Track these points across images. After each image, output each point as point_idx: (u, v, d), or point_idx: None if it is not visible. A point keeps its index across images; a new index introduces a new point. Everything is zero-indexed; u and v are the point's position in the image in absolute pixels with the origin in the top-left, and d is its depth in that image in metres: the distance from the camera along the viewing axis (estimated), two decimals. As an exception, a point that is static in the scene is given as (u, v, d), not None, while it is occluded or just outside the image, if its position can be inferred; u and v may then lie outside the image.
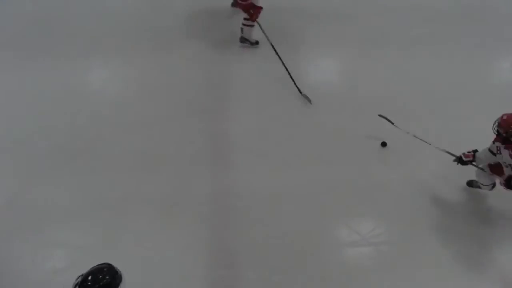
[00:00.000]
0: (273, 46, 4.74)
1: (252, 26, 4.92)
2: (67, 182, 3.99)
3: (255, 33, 4.96)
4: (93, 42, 5.02)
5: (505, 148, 3.50)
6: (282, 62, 4.70)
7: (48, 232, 3.72)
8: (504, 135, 3.48)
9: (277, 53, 4.72)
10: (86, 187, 3.96)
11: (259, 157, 4.20)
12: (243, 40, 5.09)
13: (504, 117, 3.46)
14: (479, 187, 3.98)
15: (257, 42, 5.09)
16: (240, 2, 4.74)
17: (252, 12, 4.75)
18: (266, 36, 4.77)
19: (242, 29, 5.03)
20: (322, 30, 5.20)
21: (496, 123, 3.48)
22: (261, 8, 4.79)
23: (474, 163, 3.80)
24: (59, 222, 3.78)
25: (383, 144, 4.36)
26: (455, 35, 5.21)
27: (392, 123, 4.26)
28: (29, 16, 5.25)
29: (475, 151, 3.79)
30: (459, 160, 3.83)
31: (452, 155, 3.87)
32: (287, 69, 4.68)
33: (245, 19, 4.92)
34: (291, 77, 4.67)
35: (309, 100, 4.61)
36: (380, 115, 4.33)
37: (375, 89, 4.69)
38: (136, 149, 4.23)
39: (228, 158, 4.23)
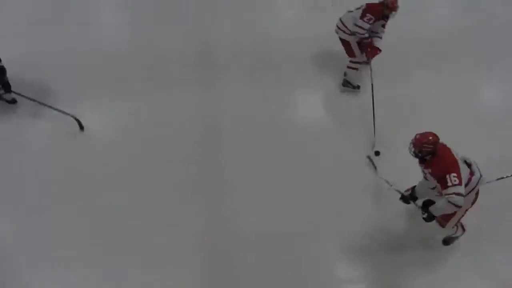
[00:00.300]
0: (372, 92, 4.57)
1: (357, 69, 4.84)
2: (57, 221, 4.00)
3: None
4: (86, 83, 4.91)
5: (425, 167, 3.47)
6: (373, 111, 4.55)
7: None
8: (419, 155, 3.42)
9: (373, 101, 4.56)
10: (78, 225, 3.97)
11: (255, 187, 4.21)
12: (346, 83, 4.95)
13: (417, 137, 3.41)
14: (452, 238, 3.91)
15: (358, 87, 4.94)
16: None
17: (369, 50, 4.64)
18: (372, 80, 4.59)
19: (345, 72, 4.90)
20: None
21: (411, 145, 3.43)
22: (378, 49, 4.68)
23: (414, 202, 3.78)
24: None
25: (377, 153, 4.45)
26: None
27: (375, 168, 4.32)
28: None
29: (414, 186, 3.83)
30: (402, 198, 3.83)
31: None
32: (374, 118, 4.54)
33: (351, 61, 4.81)
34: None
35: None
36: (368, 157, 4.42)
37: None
38: (130, 186, 4.22)
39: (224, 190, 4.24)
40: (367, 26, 4.50)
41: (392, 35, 4.70)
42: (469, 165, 3.47)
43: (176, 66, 5.04)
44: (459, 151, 3.45)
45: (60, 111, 4.47)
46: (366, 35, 4.56)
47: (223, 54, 5.18)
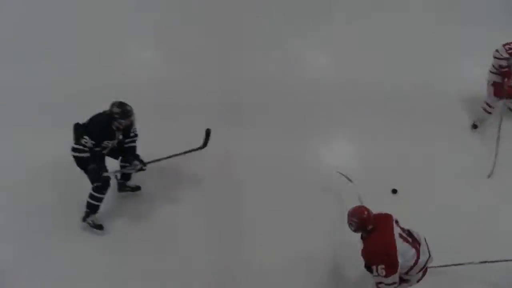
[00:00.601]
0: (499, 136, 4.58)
1: (490, 113, 4.80)
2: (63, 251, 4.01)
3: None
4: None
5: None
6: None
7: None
8: (351, 229, 3.29)
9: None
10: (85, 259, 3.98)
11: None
12: (475, 126, 4.93)
13: (349, 209, 3.31)
14: None
15: (475, 126, 4.95)
16: None
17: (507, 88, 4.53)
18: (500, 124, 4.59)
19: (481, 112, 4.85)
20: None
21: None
22: None
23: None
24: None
25: (394, 191, 4.42)
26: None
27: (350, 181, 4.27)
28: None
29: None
30: None
31: None
32: None
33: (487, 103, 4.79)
34: None
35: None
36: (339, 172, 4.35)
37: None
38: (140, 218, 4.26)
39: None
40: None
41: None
42: (416, 245, 3.27)
43: (197, 104, 5.10)
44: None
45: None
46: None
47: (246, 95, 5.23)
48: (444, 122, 5.04)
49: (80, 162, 3.84)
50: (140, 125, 4.07)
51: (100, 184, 3.95)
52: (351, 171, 4.40)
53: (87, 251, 4.02)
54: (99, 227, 4.15)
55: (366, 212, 3.24)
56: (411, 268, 3.22)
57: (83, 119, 3.88)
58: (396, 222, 3.31)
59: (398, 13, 6.21)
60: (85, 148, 3.78)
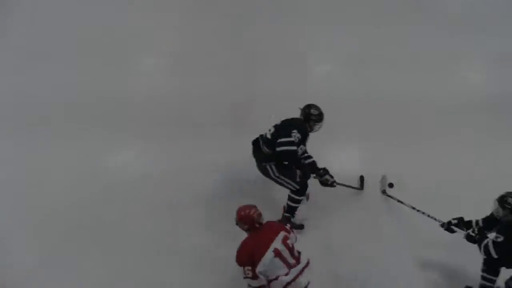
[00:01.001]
0: None
1: None
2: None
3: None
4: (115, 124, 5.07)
5: None
6: None
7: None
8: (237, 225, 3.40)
9: None
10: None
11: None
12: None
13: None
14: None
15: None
16: None
17: None
18: None
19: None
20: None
21: None
22: None
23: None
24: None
25: (390, 185, 4.50)
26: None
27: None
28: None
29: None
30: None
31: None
32: None
33: None
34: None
35: None
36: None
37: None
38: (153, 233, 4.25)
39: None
40: None
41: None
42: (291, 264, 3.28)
43: (209, 113, 5.18)
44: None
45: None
46: None
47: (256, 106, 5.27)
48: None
49: (288, 156, 3.94)
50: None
51: (301, 187, 4.10)
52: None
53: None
54: (300, 226, 4.23)
55: (247, 211, 3.36)
56: (272, 281, 3.27)
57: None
58: (285, 239, 3.32)
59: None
60: (295, 141, 3.92)
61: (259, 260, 3.24)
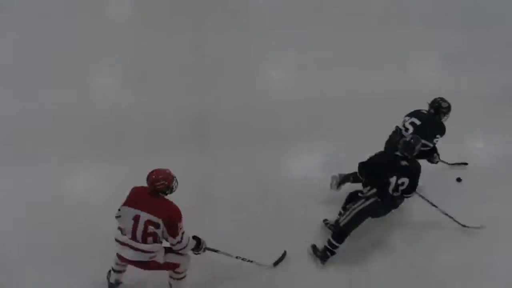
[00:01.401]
0: None
1: None
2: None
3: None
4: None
5: None
6: None
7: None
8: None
9: None
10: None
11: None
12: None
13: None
14: None
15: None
16: None
17: None
18: None
19: None
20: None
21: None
22: None
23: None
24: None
25: (458, 180, 4.63)
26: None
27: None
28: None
29: None
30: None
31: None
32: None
33: None
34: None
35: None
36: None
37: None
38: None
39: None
40: None
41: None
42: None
43: (171, 128, 5.20)
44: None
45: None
46: None
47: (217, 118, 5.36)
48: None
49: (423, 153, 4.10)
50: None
51: None
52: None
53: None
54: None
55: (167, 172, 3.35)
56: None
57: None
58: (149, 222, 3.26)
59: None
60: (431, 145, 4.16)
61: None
